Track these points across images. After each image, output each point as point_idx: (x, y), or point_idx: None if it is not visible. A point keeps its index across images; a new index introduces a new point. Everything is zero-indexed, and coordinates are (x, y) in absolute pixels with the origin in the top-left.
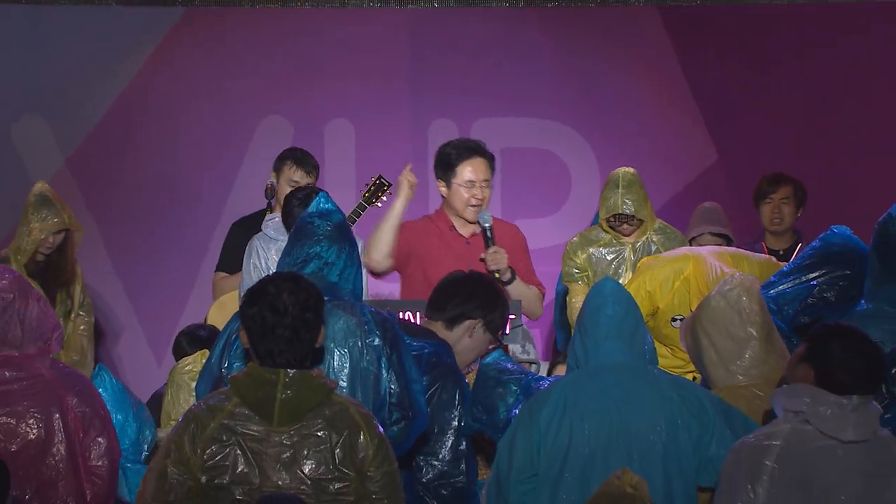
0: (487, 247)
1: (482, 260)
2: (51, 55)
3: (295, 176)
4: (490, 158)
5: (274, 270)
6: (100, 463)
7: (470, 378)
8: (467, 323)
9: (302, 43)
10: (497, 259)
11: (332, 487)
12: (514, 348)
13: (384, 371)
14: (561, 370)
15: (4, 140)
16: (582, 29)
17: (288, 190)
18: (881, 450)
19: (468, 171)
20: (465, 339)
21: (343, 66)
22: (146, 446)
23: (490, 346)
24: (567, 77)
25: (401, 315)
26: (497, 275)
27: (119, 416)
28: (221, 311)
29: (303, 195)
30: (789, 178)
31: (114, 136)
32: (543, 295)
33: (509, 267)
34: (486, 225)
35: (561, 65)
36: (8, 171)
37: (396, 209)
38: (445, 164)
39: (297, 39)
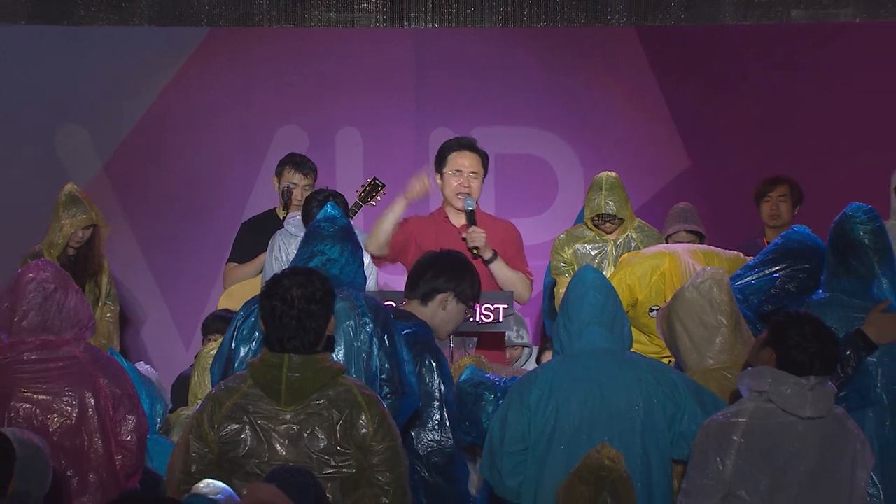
0: (470, 226)
1: (464, 239)
2: (90, 70)
3: (294, 178)
4: (481, 154)
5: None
6: (129, 438)
7: (465, 361)
8: (439, 297)
9: (315, 59)
10: (474, 237)
11: (333, 461)
12: (509, 334)
13: (376, 350)
14: (548, 355)
15: (48, 147)
16: (567, 47)
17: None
18: (836, 425)
19: (458, 161)
20: (440, 312)
21: (352, 79)
22: (158, 419)
23: (467, 315)
24: (554, 90)
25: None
26: (475, 251)
27: None
28: (229, 300)
29: (322, 197)
30: (786, 179)
31: (146, 143)
32: (531, 282)
33: (491, 248)
34: (469, 209)
35: (549, 79)
36: (51, 175)
37: (398, 208)
38: (440, 157)
39: (311, 56)
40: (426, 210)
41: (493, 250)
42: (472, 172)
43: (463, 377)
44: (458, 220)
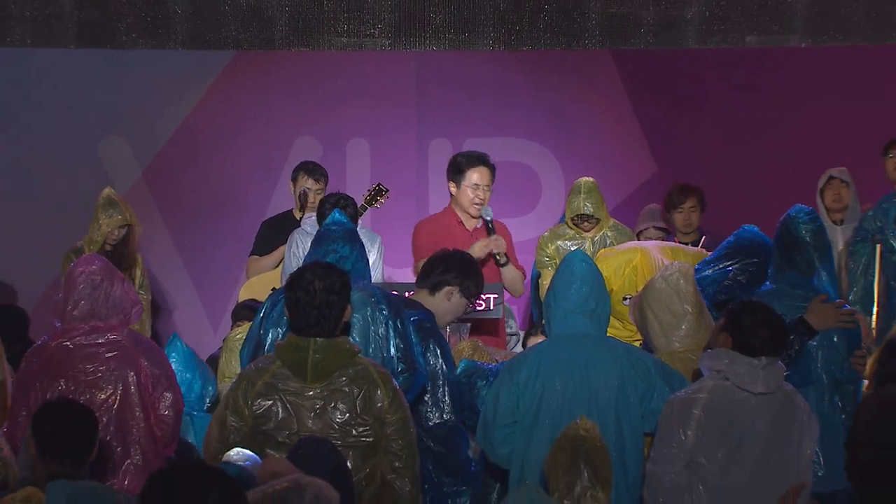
0: (489, 235)
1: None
2: (130, 88)
3: (307, 183)
4: (492, 168)
5: None
6: (166, 412)
7: (463, 346)
8: (447, 289)
9: (328, 78)
10: (498, 244)
11: (354, 431)
12: None
13: (391, 333)
14: (532, 340)
15: (92, 156)
16: (551, 68)
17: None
18: (785, 400)
19: (475, 176)
20: (445, 302)
21: (361, 96)
22: (208, 399)
23: (467, 309)
24: (539, 105)
25: (407, 294)
26: (497, 257)
27: (188, 375)
28: (249, 290)
29: (334, 200)
30: (694, 190)
31: (180, 153)
32: (525, 277)
33: (505, 253)
34: (488, 218)
35: (534, 96)
36: (95, 181)
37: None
38: (457, 169)
39: (325, 76)
40: (423, 212)
41: (506, 255)
42: (486, 185)
43: (458, 370)
44: (470, 224)
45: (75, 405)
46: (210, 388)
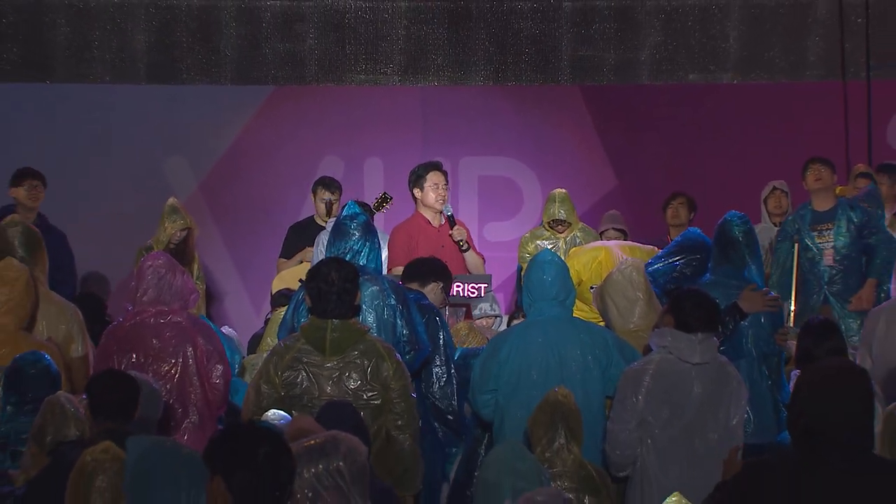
0: (452, 226)
1: (450, 235)
2: (187, 117)
3: (325, 195)
4: (445, 172)
5: None
6: (218, 381)
7: (461, 327)
8: (433, 284)
9: (350, 108)
10: (461, 233)
11: (365, 396)
12: (485, 306)
13: (398, 320)
14: (515, 322)
15: (159, 172)
16: (532, 100)
17: (322, 205)
18: (720, 370)
19: (434, 178)
20: (431, 294)
21: (376, 122)
22: (236, 366)
23: (443, 301)
24: (522, 130)
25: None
26: (461, 244)
27: None
28: (281, 282)
29: None
30: (683, 192)
31: (229, 169)
32: (484, 262)
33: (466, 241)
34: (449, 213)
35: (518, 123)
36: (161, 192)
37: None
38: (418, 176)
39: (347, 105)
40: (395, 219)
41: (468, 242)
42: (444, 184)
43: (456, 357)
44: (436, 221)
45: (120, 375)
46: (237, 358)
